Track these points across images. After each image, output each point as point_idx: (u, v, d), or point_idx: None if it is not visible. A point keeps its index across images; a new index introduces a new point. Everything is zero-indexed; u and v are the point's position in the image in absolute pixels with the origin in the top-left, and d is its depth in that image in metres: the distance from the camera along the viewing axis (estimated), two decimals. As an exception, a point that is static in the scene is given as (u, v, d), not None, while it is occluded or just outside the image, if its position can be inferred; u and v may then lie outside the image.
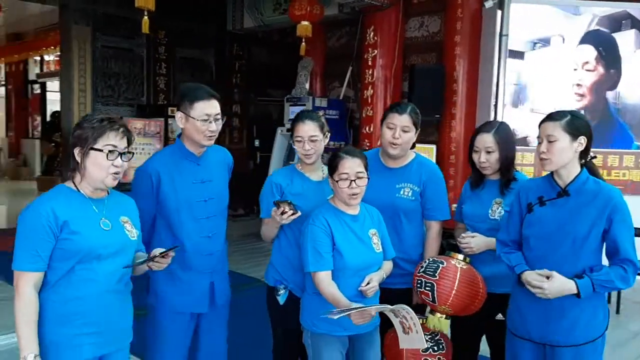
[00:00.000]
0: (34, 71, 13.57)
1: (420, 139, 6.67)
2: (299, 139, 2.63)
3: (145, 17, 5.26)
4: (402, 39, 7.04)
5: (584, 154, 2.25)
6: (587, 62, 5.32)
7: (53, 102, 13.53)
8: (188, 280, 2.58)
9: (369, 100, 7.08)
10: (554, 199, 2.24)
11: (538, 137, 2.28)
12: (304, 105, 7.10)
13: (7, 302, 4.49)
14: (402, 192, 2.74)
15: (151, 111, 8.02)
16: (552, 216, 2.23)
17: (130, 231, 2.09)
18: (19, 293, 1.89)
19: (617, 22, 5.12)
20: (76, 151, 1.96)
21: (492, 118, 5.78)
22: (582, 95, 5.39)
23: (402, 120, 2.68)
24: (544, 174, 2.37)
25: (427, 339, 2.56)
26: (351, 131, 7.61)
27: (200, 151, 2.59)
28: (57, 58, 12.63)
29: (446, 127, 6.46)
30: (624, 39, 5.21)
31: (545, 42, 5.37)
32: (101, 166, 1.95)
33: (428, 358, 2.59)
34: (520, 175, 2.76)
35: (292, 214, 2.47)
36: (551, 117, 2.23)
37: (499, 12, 5.35)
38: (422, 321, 2.58)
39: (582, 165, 2.26)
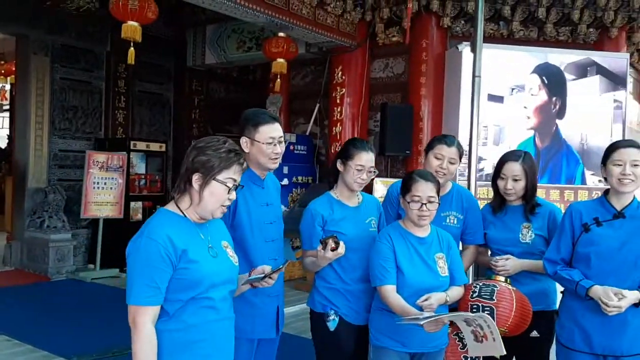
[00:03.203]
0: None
1: (391, 174, 7.04)
2: (359, 167, 2.65)
3: (132, 49, 5.21)
4: (368, 79, 7.36)
5: None
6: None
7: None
8: (261, 305, 2.56)
9: (338, 137, 7.30)
10: (609, 220, 2.44)
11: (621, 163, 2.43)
12: (274, 140, 7.19)
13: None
14: (448, 220, 2.88)
15: (111, 145, 7.77)
16: (612, 236, 2.42)
17: (232, 257, 2.01)
18: (138, 330, 1.74)
19: (584, 69, 5.69)
20: (195, 177, 1.85)
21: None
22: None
23: (450, 152, 2.84)
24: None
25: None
26: (318, 167, 7.76)
27: (264, 175, 2.63)
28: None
29: (413, 162, 6.77)
30: (590, 83, 5.79)
31: (521, 88, 5.88)
32: (219, 198, 1.87)
33: None
34: (543, 200, 2.98)
35: (337, 248, 2.50)
36: (636, 144, 2.43)
37: (472, 55, 5.74)
38: None
39: None
